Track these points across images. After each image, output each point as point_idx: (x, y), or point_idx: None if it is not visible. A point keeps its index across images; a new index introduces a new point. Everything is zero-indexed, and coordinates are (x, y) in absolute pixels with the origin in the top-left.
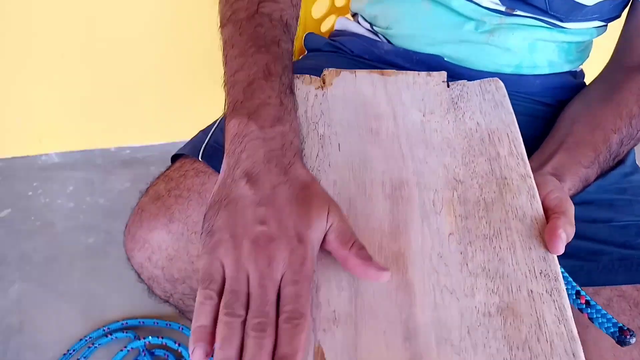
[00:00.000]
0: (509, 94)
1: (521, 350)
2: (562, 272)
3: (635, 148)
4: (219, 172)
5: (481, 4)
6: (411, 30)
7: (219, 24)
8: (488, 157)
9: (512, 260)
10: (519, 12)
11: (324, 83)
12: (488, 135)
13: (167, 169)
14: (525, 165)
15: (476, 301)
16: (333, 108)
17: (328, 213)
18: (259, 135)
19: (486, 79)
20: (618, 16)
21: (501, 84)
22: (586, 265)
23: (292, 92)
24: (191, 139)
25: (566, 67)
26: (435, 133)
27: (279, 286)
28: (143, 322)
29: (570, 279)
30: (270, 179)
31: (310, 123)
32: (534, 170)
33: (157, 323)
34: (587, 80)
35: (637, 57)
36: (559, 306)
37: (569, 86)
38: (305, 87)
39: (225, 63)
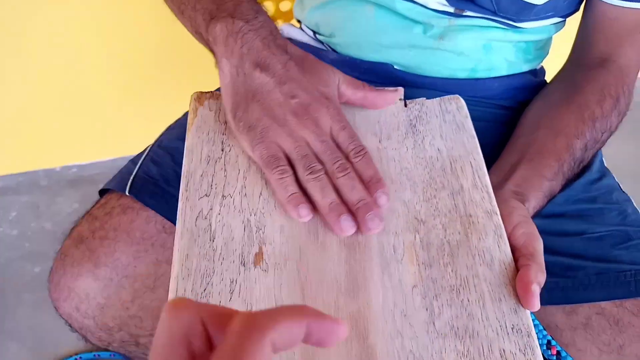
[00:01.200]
0: (466, 100)
1: None
2: (535, 323)
3: (602, 150)
4: (149, 208)
5: (427, 5)
6: (355, 37)
7: None
8: (451, 190)
9: (482, 315)
10: (468, 13)
11: None
12: (450, 164)
13: (92, 206)
14: (490, 199)
15: None
16: None
17: (333, 72)
18: (249, 28)
19: (446, 96)
20: (576, 10)
21: (462, 102)
22: (561, 281)
23: None
24: (119, 170)
25: (525, 67)
26: (393, 163)
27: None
28: (98, 355)
29: (541, 326)
30: (278, 60)
31: (251, 158)
32: (495, 186)
33: (114, 355)
34: (549, 77)
35: (596, 54)
36: None
37: (529, 86)
38: None
39: (186, 11)
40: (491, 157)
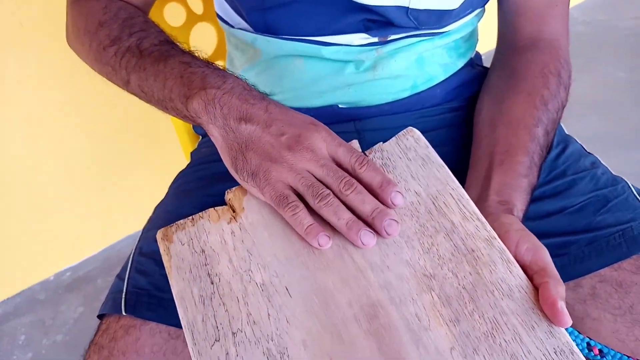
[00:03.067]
0: (413, 117)
1: None
2: (568, 331)
3: None
4: (150, 321)
5: (352, 43)
6: (294, 90)
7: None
8: (445, 232)
9: (523, 350)
10: (392, 37)
11: (234, 212)
12: (433, 203)
13: (95, 334)
14: (484, 225)
15: None
16: (259, 241)
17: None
18: (222, 92)
19: (401, 133)
20: None
21: (417, 133)
22: (558, 261)
23: (199, 57)
24: (110, 290)
25: (460, 63)
26: None
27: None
28: None
29: (576, 332)
30: (258, 108)
31: (243, 274)
32: (478, 199)
33: None
34: (486, 60)
35: (526, 36)
36: None
37: (470, 79)
38: (215, 226)
39: (144, 86)
40: (459, 161)
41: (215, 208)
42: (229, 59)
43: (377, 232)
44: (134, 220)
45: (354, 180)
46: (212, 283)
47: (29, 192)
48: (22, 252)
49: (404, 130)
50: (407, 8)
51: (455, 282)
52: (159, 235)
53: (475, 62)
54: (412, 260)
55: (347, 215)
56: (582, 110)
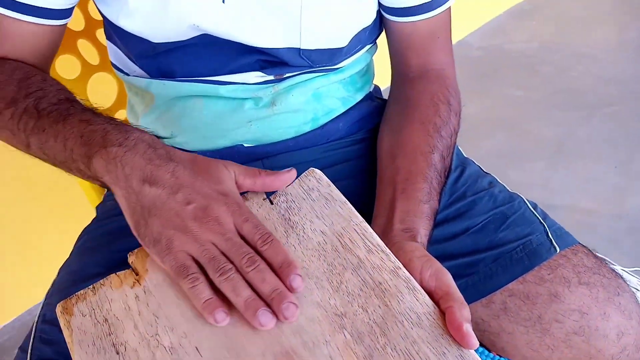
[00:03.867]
0: (319, 151)
1: None
2: (478, 351)
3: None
4: None
5: (248, 82)
6: (195, 131)
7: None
8: (352, 268)
9: None
10: (288, 75)
11: (137, 274)
12: (339, 240)
13: None
14: (389, 257)
15: None
16: (165, 303)
17: (225, 166)
18: (124, 150)
19: (303, 174)
20: (381, 31)
21: (318, 172)
22: (469, 280)
23: (101, 113)
24: (19, 349)
25: (359, 97)
26: None
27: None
28: None
29: (486, 351)
30: (164, 170)
31: (150, 339)
32: (385, 230)
33: None
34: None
35: (414, 68)
36: None
37: (370, 111)
38: (118, 293)
39: (45, 148)
40: (366, 193)
41: (117, 273)
42: (129, 106)
43: (275, 313)
44: (44, 284)
45: (257, 258)
46: (117, 353)
47: None
48: None
49: (306, 171)
50: (299, 49)
51: (366, 317)
52: (58, 309)
53: (374, 95)
54: (322, 301)
55: (247, 293)
56: (487, 129)
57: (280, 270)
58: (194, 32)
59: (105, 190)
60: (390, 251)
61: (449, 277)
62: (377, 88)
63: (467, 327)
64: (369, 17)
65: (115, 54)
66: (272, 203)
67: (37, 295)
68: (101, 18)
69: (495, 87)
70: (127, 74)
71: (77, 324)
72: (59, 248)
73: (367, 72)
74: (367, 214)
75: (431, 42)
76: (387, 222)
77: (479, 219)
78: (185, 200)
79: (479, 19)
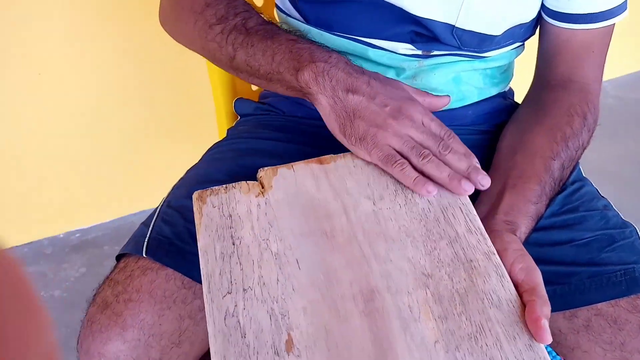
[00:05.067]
0: None
1: None
2: (547, 350)
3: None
4: (167, 267)
5: (397, 51)
6: None
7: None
8: (449, 239)
9: (502, 357)
10: (435, 53)
11: (263, 187)
12: (442, 213)
13: (112, 272)
14: (485, 240)
15: None
16: (280, 216)
17: (400, 83)
18: (330, 66)
19: None
20: (533, 34)
21: None
22: (559, 289)
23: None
24: (133, 234)
25: (494, 91)
26: (390, 222)
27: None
28: None
29: (554, 352)
30: (362, 82)
31: (261, 241)
32: (486, 216)
33: None
34: (518, 97)
35: (559, 76)
36: None
37: (500, 109)
38: (244, 197)
39: (250, 61)
40: None
41: (247, 182)
42: None
43: (473, 183)
44: (152, 197)
45: (449, 144)
46: (233, 244)
47: (57, 145)
48: (38, 204)
49: None
50: (454, 27)
51: (450, 284)
52: (195, 195)
53: (507, 95)
54: (413, 259)
55: (448, 169)
56: (598, 180)
57: (466, 156)
58: None
59: (238, 118)
60: (488, 237)
61: (538, 275)
62: (511, 90)
63: (545, 322)
64: (530, 14)
65: None
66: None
67: (137, 205)
68: None
69: (621, 141)
70: (288, 15)
71: (207, 211)
72: (174, 169)
73: (508, 70)
74: (472, 200)
75: (584, 54)
76: (490, 210)
77: (585, 234)
78: (383, 103)
79: (623, 68)
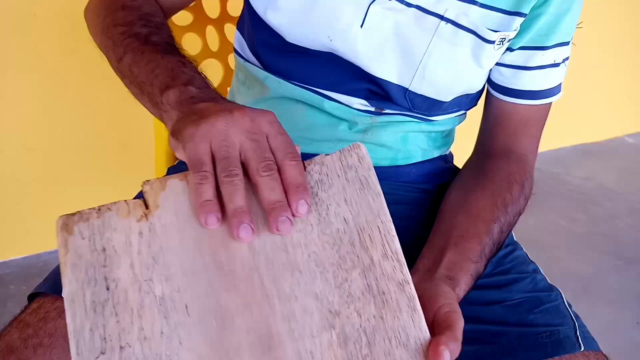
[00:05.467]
0: (389, 185)
1: None
2: None
3: None
4: None
5: (352, 105)
6: (289, 132)
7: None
8: (362, 268)
9: None
10: (387, 111)
11: (147, 207)
12: (358, 235)
13: (22, 312)
14: (401, 267)
15: None
16: (167, 247)
17: None
18: (201, 94)
19: (346, 147)
20: (475, 105)
21: (364, 151)
22: (489, 347)
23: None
24: (50, 273)
25: (436, 153)
26: (299, 250)
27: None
28: None
29: None
30: (228, 103)
31: (142, 283)
32: (427, 270)
33: None
34: (457, 161)
35: (500, 145)
36: None
37: (441, 170)
38: (123, 222)
39: (133, 66)
40: (416, 237)
41: (127, 201)
42: (231, 94)
43: (269, 223)
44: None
45: (276, 168)
46: (107, 289)
47: None
48: None
49: (352, 144)
50: (407, 89)
51: (358, 322)
52: (59, 222)
53: (448, 158)
54: (321, 294)
55: (241, 203)
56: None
57: (295, 191)
58: (324, 46)
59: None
60: (405, 262)
61: (460, 321)
62: (451, 154)
63: (445, 351)
64: (477, 86)
65: (239, 40)
66: (305, 169)
67: (52, 243)
68: (233, 14)
69: (542, 211)
70: (247, 61)
71: (74, 245)
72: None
73: (449, 135)
74: (412, 259)
75: (524, 127)
76: (432, 264)
77: (516, 295)
78: (229, 107)
79: (545, 144)
